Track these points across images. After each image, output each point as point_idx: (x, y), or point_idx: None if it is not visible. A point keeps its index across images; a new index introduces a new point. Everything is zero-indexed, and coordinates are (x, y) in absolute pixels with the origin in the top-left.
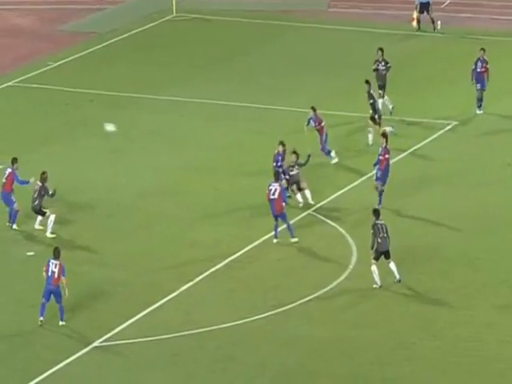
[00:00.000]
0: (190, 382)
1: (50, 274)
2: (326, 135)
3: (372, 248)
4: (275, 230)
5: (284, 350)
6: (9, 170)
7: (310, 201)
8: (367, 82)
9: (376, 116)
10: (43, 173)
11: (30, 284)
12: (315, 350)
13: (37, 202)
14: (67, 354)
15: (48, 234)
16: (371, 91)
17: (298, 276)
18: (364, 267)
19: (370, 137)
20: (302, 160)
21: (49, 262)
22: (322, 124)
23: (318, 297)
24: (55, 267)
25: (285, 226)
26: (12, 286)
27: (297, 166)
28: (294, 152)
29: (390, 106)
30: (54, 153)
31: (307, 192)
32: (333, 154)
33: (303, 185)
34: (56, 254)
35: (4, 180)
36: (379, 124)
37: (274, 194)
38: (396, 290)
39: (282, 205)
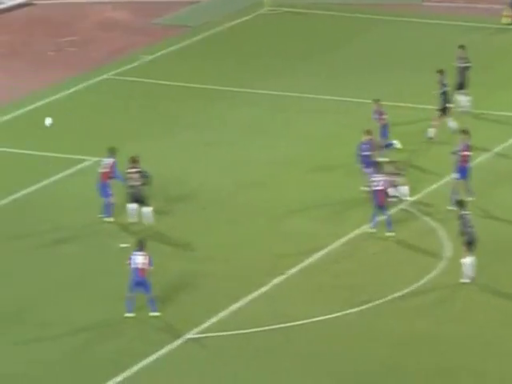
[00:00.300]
0: (279, 377)
1: (136, 266)
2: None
3: (461, 237)
4: (373, 219)
5: (373, 346)
6: (111, 160)
7: (406, 197)
8: (440, 71)
9: (446, 105)
10: (133, 158)
11: (123, 275)
12: (405, 346)
13: (137, 190)
14: (157, 347)
15: (147, 223)
16: (444, 81)
17: (390, 271)
18: (455, 262)
19: (433, 130)
20: (401, 171)
21: (133, 254)
22: (383, 116)
23: (410, 292)
24: (141, 259)
25: (381, 217)
26: (106, 277)
27: (399, 175)
28: (393, 161)
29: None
30: (149, 146)
31: (405, 188)
32: (396, 143)
33: (401, 181)
34: (141, 246)
35: (104, 170)
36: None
37: (378, 186)
38: (486, 285)
39: (385, 196)
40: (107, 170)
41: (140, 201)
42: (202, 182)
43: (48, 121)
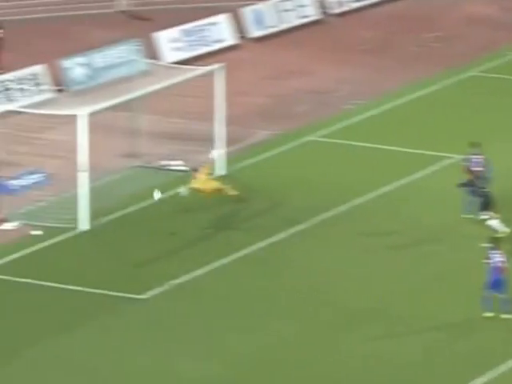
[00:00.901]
0: None
1: (495, 264)
2: None
3: None
4: None
5: None
6: (480, 158)
7: None
8: None
9: None
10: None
11: (483, 274)
12: None
13: (490, 195)
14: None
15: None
16: None
17: None
18: None
19: None
20: None
21: (492, 252)
22: None
23: None
24: (501, 257)
25: None
26: (467, 275)
27: None
28: None
29: None
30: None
31: None
32: None
33: None
34: (496, 245)
35: (475, 168)
36: None
37: None
38: None
39: None
40: (478, 169)
41: (491, 207)
42: None
43: (157, 195)
